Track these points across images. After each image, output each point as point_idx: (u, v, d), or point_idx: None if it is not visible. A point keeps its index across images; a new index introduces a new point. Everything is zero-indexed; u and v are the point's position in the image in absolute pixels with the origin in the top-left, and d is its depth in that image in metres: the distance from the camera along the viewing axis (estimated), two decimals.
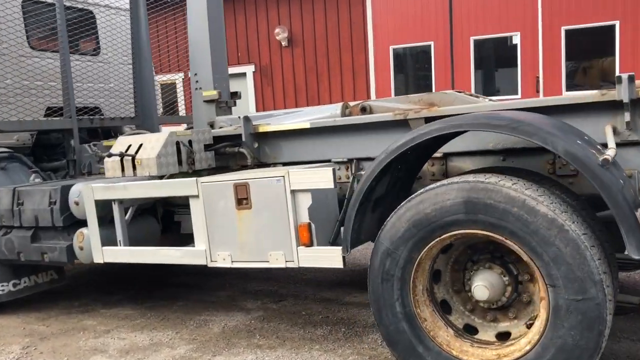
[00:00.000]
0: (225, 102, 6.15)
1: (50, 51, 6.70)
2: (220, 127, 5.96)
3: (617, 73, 13.19)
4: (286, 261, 4.13)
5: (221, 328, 5.19)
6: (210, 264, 4.47)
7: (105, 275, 7.45)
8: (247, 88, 15.19)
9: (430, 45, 13.98)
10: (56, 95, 6.62)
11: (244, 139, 5.07)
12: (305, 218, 4.04)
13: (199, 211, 4.45)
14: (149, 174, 4.79)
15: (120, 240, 4.98)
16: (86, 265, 6.07)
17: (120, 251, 4.97)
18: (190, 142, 5.05)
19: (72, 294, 6.66)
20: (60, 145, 6.98)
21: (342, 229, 4.01)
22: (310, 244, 4.04)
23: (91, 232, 5.05)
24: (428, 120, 4.34)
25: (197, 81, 6.17)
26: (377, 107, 4.86)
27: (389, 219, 3.65)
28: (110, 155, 4.89)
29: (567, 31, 12.37)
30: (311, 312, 5.44)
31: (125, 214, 5.04)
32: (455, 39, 13.22)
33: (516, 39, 13.04)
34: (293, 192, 4.04)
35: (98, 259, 5.07)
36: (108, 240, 5.05)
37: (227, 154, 5.34)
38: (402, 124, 4.50)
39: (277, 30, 14.35)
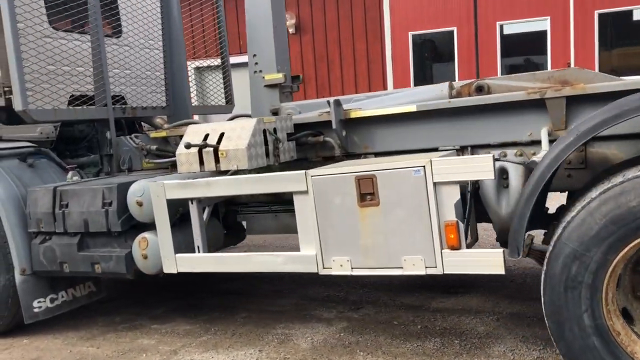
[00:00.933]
0: (290, 86, 5.45)
1: (76, 32, 5.84)
2: (288, 115, 5.26)
3: None
4: (426, 267, 3.50)
5: (309, 343, 4.51)
6: (323, 272, 3.80)
7: (136, 284, 6.63)
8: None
9: (453, 32, 13.38)
10: (80, 82, 5.77)
11: (334, 126, 4.40)
12: (451, 216, 3.42)
13: (307, 209, 3.77)
14: (236, 167, 4.08)
15: (199, 246, 4.25)
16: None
17: (199, 259, 4.23)
18: (275, 130, 4.36)
19: (108, 308, 5.86)
20: (85, 139, 6.15)
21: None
22: (459, 247, 3.42)
23: (161, 237, 4.30)
24: (570, 99, 3.79)
25: (256, 63, 5.45)
26: (497, 87, 4.27)
27: (573, 214, 3.06)
28: (188, 146, 4.14)
29: (600, 15, 11.96)
30: (404, 322, 4.81)
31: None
32: (480, 25, 12.69)
33: (545, 24, 12.56)
34: (436, 184, 3.41)
35: (169, 268, 4.32)
36: (181, 246, 4.31)
37: (307, 143, 4.67)
38: (534, 105, 3.94)
39: None
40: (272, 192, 3.99)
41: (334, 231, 3.71)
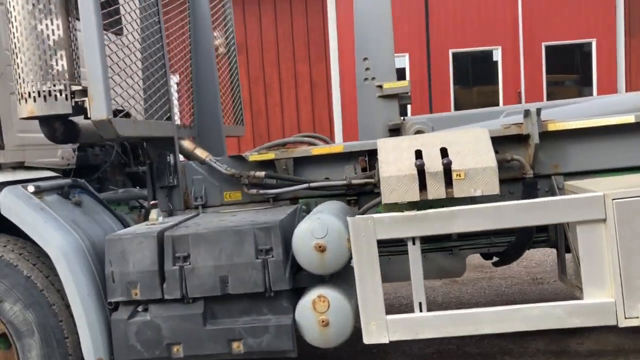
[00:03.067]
0: (410, 97, 4.50)
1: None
2: (418, 132, 4.31)
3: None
4: None
5: None
6: (623, 324, 2.94)
7: None
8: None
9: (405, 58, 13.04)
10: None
11: (535, 140, 3.61)
12: None
13: (600, 243, 2.91)
14: (480, 192, 3.06)
15: (420, 303, 3.10)
16: None
17: (427, 320, 3.08)
18: None
19: None
20: (98, 169, 4.52)
21: None
22: None
23: (365, 293, 3.07)
24: None
25: (367, 68, 4.41)
26: None
27: None
28: (420, 167, 3.02)
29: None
30: None
31: None
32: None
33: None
34: None
35: (375, 336, 3.10)
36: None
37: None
38: None
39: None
40: (543, 223, 3.05)
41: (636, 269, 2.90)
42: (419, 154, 3.18)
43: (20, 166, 3.60)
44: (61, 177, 3.80)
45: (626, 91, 12.31)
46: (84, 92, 3.24)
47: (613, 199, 2.89)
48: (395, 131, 4.43)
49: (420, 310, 3.11)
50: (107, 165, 4.59)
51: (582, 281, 2.97)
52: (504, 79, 12.63)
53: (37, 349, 3.26)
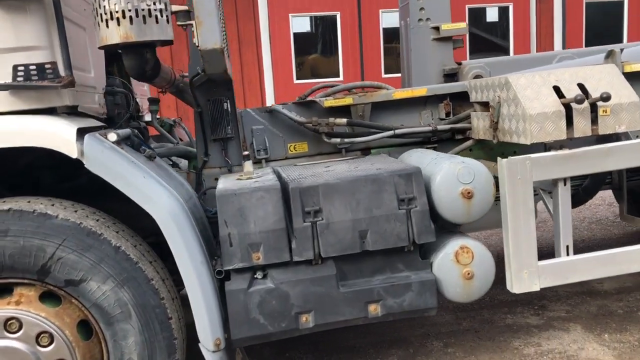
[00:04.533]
0: (462, 39, 4.28)
1: None
2: (476, 76, 4.14)
3: None
4: None
5: None
6: None
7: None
8: None
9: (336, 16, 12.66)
10: None
11: None
12: None
13: None
14: (625, 129, 2.97)
15: (568, 246, 2.96)
16: None
17: (578, 264, 2.95)
18: None
19: None
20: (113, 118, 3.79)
21: None
22: None
23: (517, 239, 2.85)
24: None
25: (422, 8, 4.12)
26: None
27: None
28: (581, 101, 2.83)
29: None
30: None
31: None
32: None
33: None
34: None
35: (526, 285, 2.91)
36: None
37: None
38: None
39: None
40: None
41: None
42: (557, 91, 3.00)
43: (73, 112, 2.84)
44: (108, 127, 3.08)
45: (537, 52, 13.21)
46: (188, 14, 2.60)
47: None
48: (451, 76, 4.22)
49: (567, 254, 2.98)
50: (128, 116, 3.84)
51: None
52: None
53: (136, 334, 2.63)
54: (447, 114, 3.66)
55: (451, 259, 2.91)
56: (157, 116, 4.35)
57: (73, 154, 2.52)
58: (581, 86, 3.01)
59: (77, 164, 2.57)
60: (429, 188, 2.91)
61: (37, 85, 2.47)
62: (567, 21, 13.67)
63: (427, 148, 3.68)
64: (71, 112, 2.82)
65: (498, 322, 4.03)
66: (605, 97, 2.84)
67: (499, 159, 2.89)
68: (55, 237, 2.54)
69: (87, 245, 2.57)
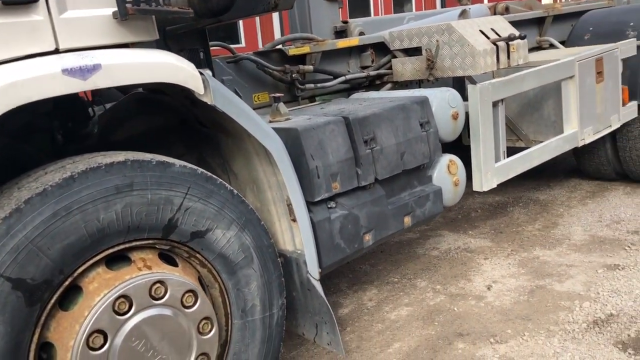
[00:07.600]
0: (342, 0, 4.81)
1: None
2: (360, 33, 4.78)
3: None
4: (619, 120, 4.90)
5: None
6: (580, 144, 4.51)
7: None
8: None
9: None
10: None
11: None
12: (624, 82, 4.97)
13: (572, 93, 4.38)
14: (521, 62, 4.04)
15: (504, 151, 3.91)
16: None
17: (512, 163, 3.91)
18: None
19: None
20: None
21: None
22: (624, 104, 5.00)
23: (483, 148, 3.66)
24: None
25: None
26: None
27: None
28: (496, 43, 3.72)
29: None
30: None
31: None
32: None
33: None
34: (622, 60, 4.87)
35: (487, 184, 3.75)
36: None
37: None
38: None
39: None
40: (551, 80, 4.23)
41: (585, 107, 4.49)
42: (483, 34, 3.88)
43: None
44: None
45: None
46: None
47: (577, 62, 4.36)
48: (339, 33, 4.74)
49: (504, 157, 3.93)
50: None
51: (564, 119, 4.38)
52: None
53: (257, 277, 2.55)
54: (372, 62, 4.22)
55: (445, 170, 3.56)
56: None
57: (200, 89, 2.29)
58: (493, 30, 3.96)
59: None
60: None
61: (172, 10, 2.15)
62: None
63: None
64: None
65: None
66: (524, 36, 3.85)
67: (470, 85, 3.64)
68: (181, 185, 2.28)
69: (209, 192, 2.37)
